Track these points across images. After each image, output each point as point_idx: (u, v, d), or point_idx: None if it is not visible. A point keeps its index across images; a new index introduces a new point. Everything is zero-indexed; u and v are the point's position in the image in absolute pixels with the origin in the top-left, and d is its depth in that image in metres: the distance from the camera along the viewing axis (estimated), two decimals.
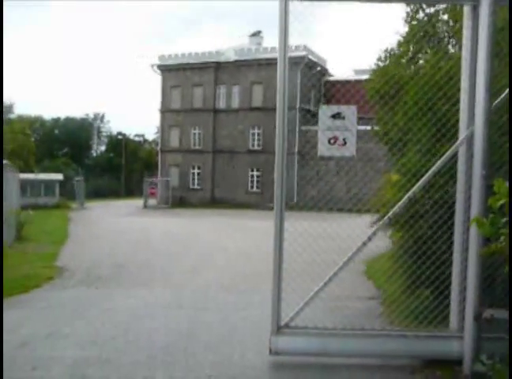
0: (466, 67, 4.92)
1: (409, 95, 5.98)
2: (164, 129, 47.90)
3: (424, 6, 8.85)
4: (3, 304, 7.66)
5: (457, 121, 5.06)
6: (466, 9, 4.98)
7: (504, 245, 3.35)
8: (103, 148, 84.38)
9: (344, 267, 5.15)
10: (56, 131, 78.05)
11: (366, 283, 9.36)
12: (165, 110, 47.29)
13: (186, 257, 13.30)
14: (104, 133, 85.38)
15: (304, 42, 36.44)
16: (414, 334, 5.10)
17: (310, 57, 40.94)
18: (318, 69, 41.76)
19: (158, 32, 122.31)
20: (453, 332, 5.04)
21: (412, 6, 8.88)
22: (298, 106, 40.32)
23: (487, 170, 4.65)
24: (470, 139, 4.86)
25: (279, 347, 5.09)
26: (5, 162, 15.72)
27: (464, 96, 4.93)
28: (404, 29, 9.26)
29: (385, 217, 5.22)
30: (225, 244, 16.32)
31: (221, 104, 45.31)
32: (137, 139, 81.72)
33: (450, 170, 5.18)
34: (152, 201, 43.95)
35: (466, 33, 4.95)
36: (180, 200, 43.85)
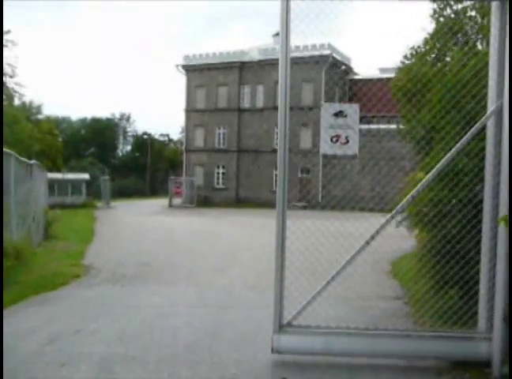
0: (494, 62, 4.88)
1: (433, 93, 5.93)
2: (189, 128, 48.21)
3: (452, 3, 8.75)
4: (35, 300, 7.85)
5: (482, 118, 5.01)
6: (494, 5, 4.93)
7: None
8: (128, 147, 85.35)
9: (347, 266, 5.12)
10: (83, 131, 79.16)
11: (391, 282, 9.30)
12: (190, 110, 47.58)
13: (211, 256, 13.38)
14: (130, 133, 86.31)
15: (328, 40, 36.38)
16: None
17: (335, 55, 40.76)
18: (343, 67, 41.56)
19: (183, 33, 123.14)
20: (481, 332, 4.95)
21: (439, 3, 8.79)
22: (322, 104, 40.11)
23: None
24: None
25: (281, 345, 5.08)
26: (34, 161, 16.02)
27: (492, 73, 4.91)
28: (431, 26, 9.16)
29: (389, 216, 5.15)
30: (249, 242, 16.37)
31: (246, 104, 45.41)
32: (162, 139, 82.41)
33: (475, 167, 5.12)
34: (176, 201, 44.28)
35: (494, 29, 4.91)
36: (205, 200, 44.09)
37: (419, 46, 9.68)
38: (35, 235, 14.55)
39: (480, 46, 7.89)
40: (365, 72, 39.32)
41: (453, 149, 5.00)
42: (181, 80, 48.69)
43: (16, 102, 37.09)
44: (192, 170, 46.92)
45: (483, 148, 5.04)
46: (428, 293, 5.73)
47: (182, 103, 48.54)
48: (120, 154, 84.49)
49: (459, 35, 8.12)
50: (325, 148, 5.15)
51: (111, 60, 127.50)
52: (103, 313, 7.10)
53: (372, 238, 5.12)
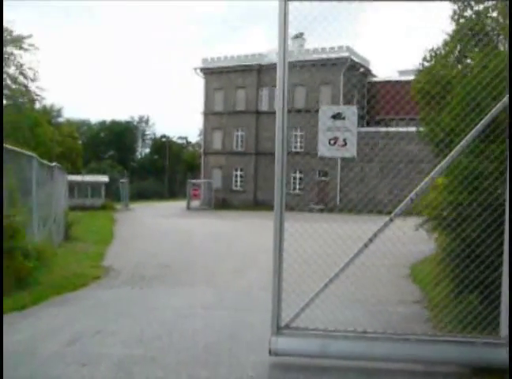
0: None
1: (453, 95, 5.89)
2: (207, 131, 48.38)
3: (473, 3, 8.67)
4: (56, 301, 7.95)
5: (503, 120, 4.97)
6: None
7: None
8: (147, 150, 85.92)
9: (345, 268, 5.12)
10: (102, 134, 79.92)
11: (410, 286, 9.23)
12: (208, 113, 47.77)
13: (229, 258, 13.42)
14: (148, 136, 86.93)
15: (347, 43, 36.25)
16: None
17: (353, 58, 40.63)
18: (361, 70, 41.40)
19: (202, 36, 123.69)
20: (502, 338, 4.87)
21: (459, 4, 8.71)
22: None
23: None
24: None
25: (278, 347, 5.07)
26: (54, 164, 16.23)
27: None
28: (451, 27, 9.09)
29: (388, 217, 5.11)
30: (268, 245, 16.34)
31: (264, 106, 45.45)
32: (180, 141, 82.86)
33: (495, 171, 5.08)
34: (195, 203, 44.47)
35: None
36: (223, 202, 44.20)
37: (438, 48, 9.62)
38: (55, 236, 14.74)
39: (501, 48, 7.82)
40: (384, 74, 39.17)
41: (458, 146, 4.98)
42: (199, 82, 48.82)
43: (38, 105, 37.59)
44: (210, 173, 47.08)
45: (503, 151, 5.00)
46: (447, 297, 5.68)
47: (200, 106, 48.79)
48: (139, 156, 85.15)
49: (480, 36, 8.04)
50: (323, 150, 5.17)
51: (130, 63, 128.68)
52: (123, 314, 7.17)
53: (370, 240, 5.12)
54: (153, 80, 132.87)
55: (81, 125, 75.33)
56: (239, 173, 46.40)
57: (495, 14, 8.28)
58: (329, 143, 5.11)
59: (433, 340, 4.98)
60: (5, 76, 32.72)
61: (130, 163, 77.09)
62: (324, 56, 39.66)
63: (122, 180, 45.21)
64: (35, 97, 34.76)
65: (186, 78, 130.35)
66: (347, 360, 5.07)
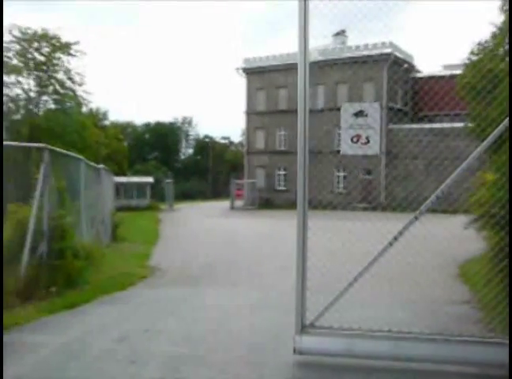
0: None
1: (501, 89, 5.71)
2: (250, 131, 48.53)
3: None
4: (105, 300, 8.15)
5: None
6: None
7: None
8: (190, 151, 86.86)
9: (370, 267, 5.06)
10: (147, 135, 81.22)
11: (459, 286, 9.02)
12: (250, 113, 47.91)
13: (274, 258, 13.43)
14: (192, 137, 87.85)
15: (390, 38, 35.69)
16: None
17: (397, 54, 39.98)
18: (405, 65, 40.69)
19: (243, 36, 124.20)
20: None
21: None
22: (384, 104, 39.48)
23: None
24: None
25: (303, 346, 5.05)
26: (101, 165, 16.62)
27: None
28: (500, 19, 8.79)
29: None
30: (312, 245, 16.28)
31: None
32: (223, 141, 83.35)
33: None
34: (238, 203, 44.68)
35: None
36: (266, 202, 44.24)
37: (486, 41, 9.34)
38: (103, 237, 15.10)
39: None
40: (429, 69, 38.37)
41: (485, 142, 4.89)
42: (241, 82, 49.04)
43: (85, 109, 38.55)
44: (253, 172, 47.23)
45: None
46: (497, 297, 5.52)
47: (242, 106, 48.97)
48: (182, 157, 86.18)
49: None
50: (345, 148, 5.14)
51: (173, 65, 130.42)
52: (170, 313, 7.29)
53: (395, 239, 5.06)
54: (196, 81, 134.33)
55: (126, 128, 76.75)
56: (281, 172, 46.34)
57: None
58: (352, 140, 5.08)
59: (462, 341, 4.85)
60: (53, 81, 33.72)
61: (174, 163, 78.10)
62: (366, 53, 39.18)
63: (166, 180, 45.87)
64: (82, 101, 35.68)
65: (228, 78, 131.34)
66: (372, 359, 5.01)
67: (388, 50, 39.36)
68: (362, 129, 5.06)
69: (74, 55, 33.65)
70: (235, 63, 53.79)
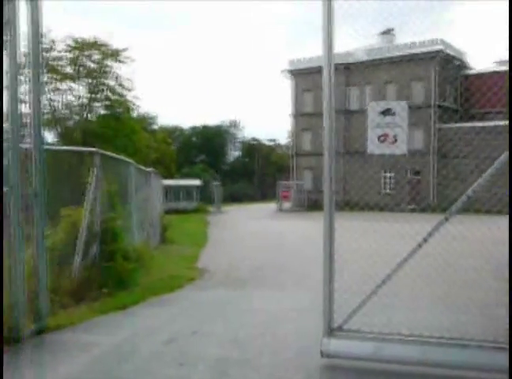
0: None
1: None
2: (297, 132, 48.46)
3: None
4: (154, 301, 8.26)
5: None
6: None
7: None
8: (237, 153, 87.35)
9: (398, 269, 4.97)
10: (194, 139, 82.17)
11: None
12: (297, 114, 47.85)
13: (322, 261, 13.28)
14: (239, 139, 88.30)
15: (440, 36, 34.90)
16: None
17: (447, 51, 39.06)
18: (456, 63, 39.72)
19: (288, 37, 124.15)
20: None
21: None
22: (433, 103, 38.67)
23: None
24: None
25: (330, 349, 4.98)
26: (150, 169, 16.92)
27: None
28: None
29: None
30: (363, 248, 16.06)
31: (353, 105, 44.83)
32: (269, 143, 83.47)
33: None
34: (286, 205, 44.62)
35: None
36: (314, 204, 44.02)
37: None
38: (152, 239, 15.35)
39: None
40: (482, 66, 37.29)
41: None
42: (287, 84, 49.07)
43: (134, 114, 39.41)
44: (301, 174, 47.11)
45: None
46: None
47: (289, 108, 48.95)
48: (230, 160, 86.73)
49: None
50: (372, 147, 5.04)
51: (218, 68, 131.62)
52: (218, 315, 7.33)
53: (425, 240, 4.95)
54: (242, 83, 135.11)
55: (174, 131, 77.89)
56: None
57: None
58: (379, 140, 4.99)
59: (496, 347, 4.66)
60: (104, 87, 34.62)
61: (221, 166, 78.71)
62: (415, 51, 38.46)
63: (214, 183, 46.30)
64: (132, 106, 36.51)
65: (274, 80, 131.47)
66: (401, 365, 4.89)
67: (438, 48, 38.51)
68: (389, 128, 4.98)
69: (123, 61, 34.49)
70: (281, 65, 53.81)
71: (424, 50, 38.11)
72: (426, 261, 5.70)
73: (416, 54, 38.96)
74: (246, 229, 24.63)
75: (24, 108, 6.30)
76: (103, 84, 34.65)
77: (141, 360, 5.32)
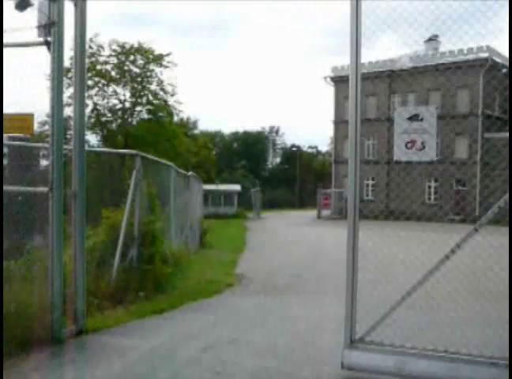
0: None
1: None
2: (338, 140, 47.98)
3: None
4: (192, 306, 8.12)
5: None
6: None
7: None
8: (277, 160, 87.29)
9: (425, 282, 4.78)
10: (235, 144, 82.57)
11: None
12: (339, 122, 47.38)
13: (362, 269, 12.96)
14: (279, 146, 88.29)
15: (487, 43, 33.99)
16: None
17: (495, 58, 38.02)
18: (504, 71, 38.63)
19: (331, 44, 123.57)
20: None
21: None
22: (480, 111, 37.68)
23: None
24: None
25: (352, 361, 4.79)
26: (191, 173, 16.90)
27: None
28: None
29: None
30: (403, 257, 15.66)
31: None
32: (310, 151, 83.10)
33: None
34: (325, 212, 44.18)
35: None
36: None
37: None
38: (191, 243, 15.30)
39: None
40: None
41: None
42: (329, 91, 48.72)
43: (176, 118, 39.75)
44: (341, 182, 46.55)
45: None
46: None
47: (330, 115, 48.56)
48: (269, 166, 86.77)
49: None
50: (399, 154, 4.88)
51: (259, 74, 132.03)
52: (256, 323, 7.12)
53: (452, 251, 4.73)
54: (283, 90, 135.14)
55: (215, 136, 78.44)
56: (370, 182, 45.34)
57: None
58: (406, 146, 4.81)
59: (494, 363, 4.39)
60: (147, 91, 35.05)
61: (261, 172, 78.80)
62: (461, 58, 37.61)
63: (254, 189, 46.25)
64: (174, 111, 36.82)
65: (315, 87, 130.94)
66: None
67: (485, 55, 37.52)
68: (417, 134, 4.79)
69: (166, 66, 34.84)
70: (323, 72, 53.55)
71: (471, 57, 37.20)
72: (452, 274, 5.44)
73: (463, 62, 38.04)
74: (285, 235, 24.40)
75: (69, 111, 6.28)
76: (146, 88, 35.08)
77: (178, 366, 5.16)
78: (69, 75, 14.57)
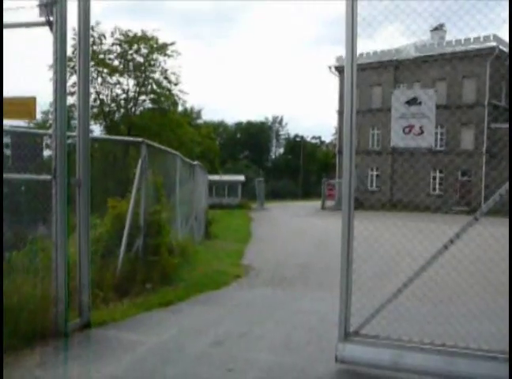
0: None
1: None
2: (342, 130, 47.59)
3: None
4: (199, 299, 7.92)
5: None
6: None
7: None
8: (281, 150, 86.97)
9: (421, 272, 4.71)
10: (238, 135, 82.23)
11: None
12: (343, 112, 47.09)
13: (369, 261, 12.69)
14: (282, 136, 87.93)
15: (494, 32, 33.50)
16: None
17: (502, 47, 37.58)
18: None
19: (335, 34, 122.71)
20: None
21: None
22: (486, 101, 37.30)
23: None
24: None
25: (346, 355, 4.65)
26: (196, 162, 16.65)
27: None
28: None
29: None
30: (410, 249, 15.45)
31: None
32: (313, 141, 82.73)
33: None
34: (329, 203, 43.94)
35: None
36: (357, 202, 43.27)
37: None
38: (196, 234, 15.10)
39: None
40: None
41: None
42: (334, 80, 48.34)
43: (180, 108, 39.46)
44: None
45: None
46: None
47: (334, 105, 48.21)
48: (273, 157, 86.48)
49: None
50: (396, 140, 4.74)
51: (263, 64, 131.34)
52: (267, 316, 6.89)
53: (451, 241, 4.59)
54: (287, 80, 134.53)
55: (218, 127, 78.08)
56: (374, 172, 45.08)
57: None
58: (403, 131, 4.64)
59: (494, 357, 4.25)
60: (151, 81, 34.75)
61: (265, 162, 78.54)
62: (467, 47, 37.16)
63: (257, 179, 46.02)
64: (178, 100, 36.51)
65: (319, 77, 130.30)
66: (421, 375, 4.46)
67: (492, 44, 37.10)
68: (415, 119, 4.62)
69: (170, 55, 34.50)
70: (328, 62, 53.13)
71: (477, 46, 36.81)
72: (451, 264, 5.26)
73: (469, 51, 37.67)
74: (290, 226, 24.20)
75: (72, 99, 5.99)
76: (150, 77, 34.76)
77: (187, 362, 4.95)
78: (71, 65, 14.37)
